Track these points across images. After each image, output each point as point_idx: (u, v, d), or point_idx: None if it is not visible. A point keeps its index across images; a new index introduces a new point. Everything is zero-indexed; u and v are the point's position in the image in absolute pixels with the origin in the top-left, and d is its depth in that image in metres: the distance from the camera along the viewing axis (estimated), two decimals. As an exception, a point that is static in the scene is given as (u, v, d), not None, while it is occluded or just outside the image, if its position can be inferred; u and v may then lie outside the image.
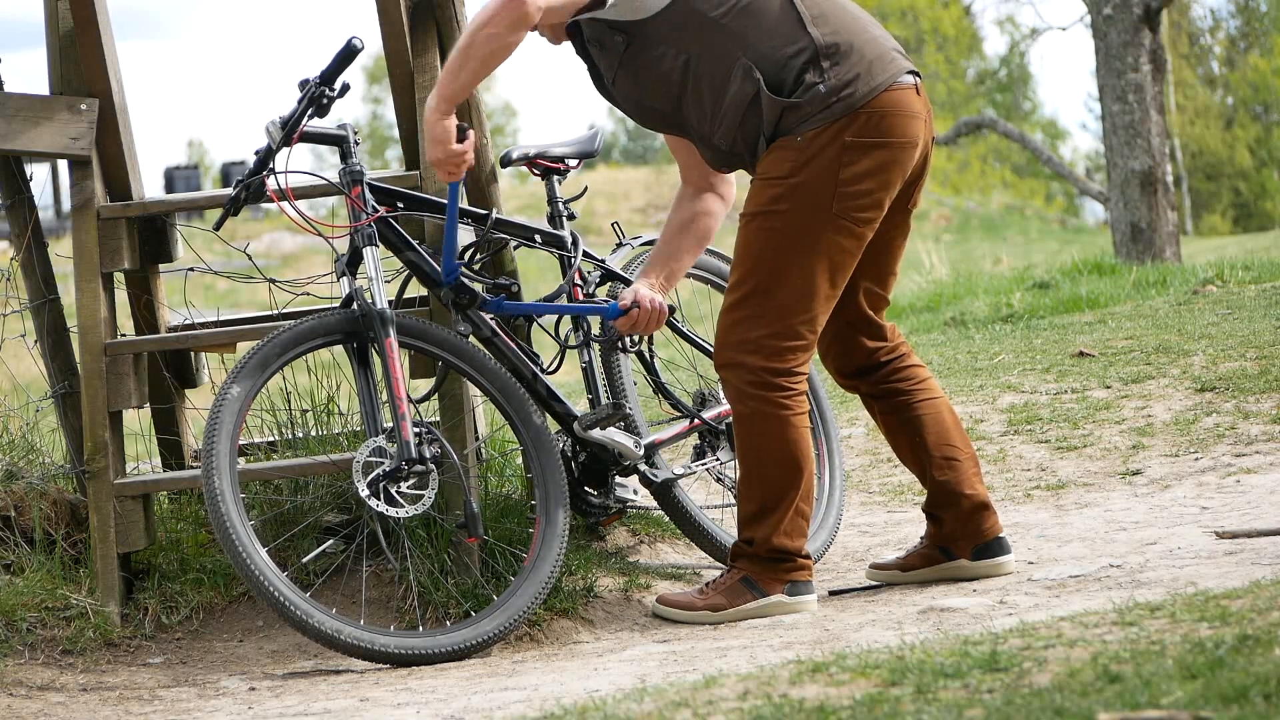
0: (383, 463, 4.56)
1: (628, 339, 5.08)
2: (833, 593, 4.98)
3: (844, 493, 5.56)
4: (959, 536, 4.92)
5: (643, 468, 5.05)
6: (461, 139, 4.56)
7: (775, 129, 4.59)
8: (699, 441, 5.30)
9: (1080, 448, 6.51)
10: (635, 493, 5.16)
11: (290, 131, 4.67)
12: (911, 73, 4.67)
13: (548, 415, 4.90)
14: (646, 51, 4.62)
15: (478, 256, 4.98)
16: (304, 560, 4.84)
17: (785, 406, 4.62)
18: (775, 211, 4.60)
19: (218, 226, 4.87)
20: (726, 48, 4.57)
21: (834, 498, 5.45)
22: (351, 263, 4.73)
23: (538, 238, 5.06)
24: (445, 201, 4.92)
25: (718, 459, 5.27)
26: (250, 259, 5.25)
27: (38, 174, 5.61)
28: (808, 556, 4.75)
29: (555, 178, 5.18)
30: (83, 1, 5.04)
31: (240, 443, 4.83)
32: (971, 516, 4.89)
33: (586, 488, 5.07)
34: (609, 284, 5.20)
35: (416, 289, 5.05)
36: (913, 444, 4.91)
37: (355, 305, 4.68)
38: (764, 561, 4.71)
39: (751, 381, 4.61)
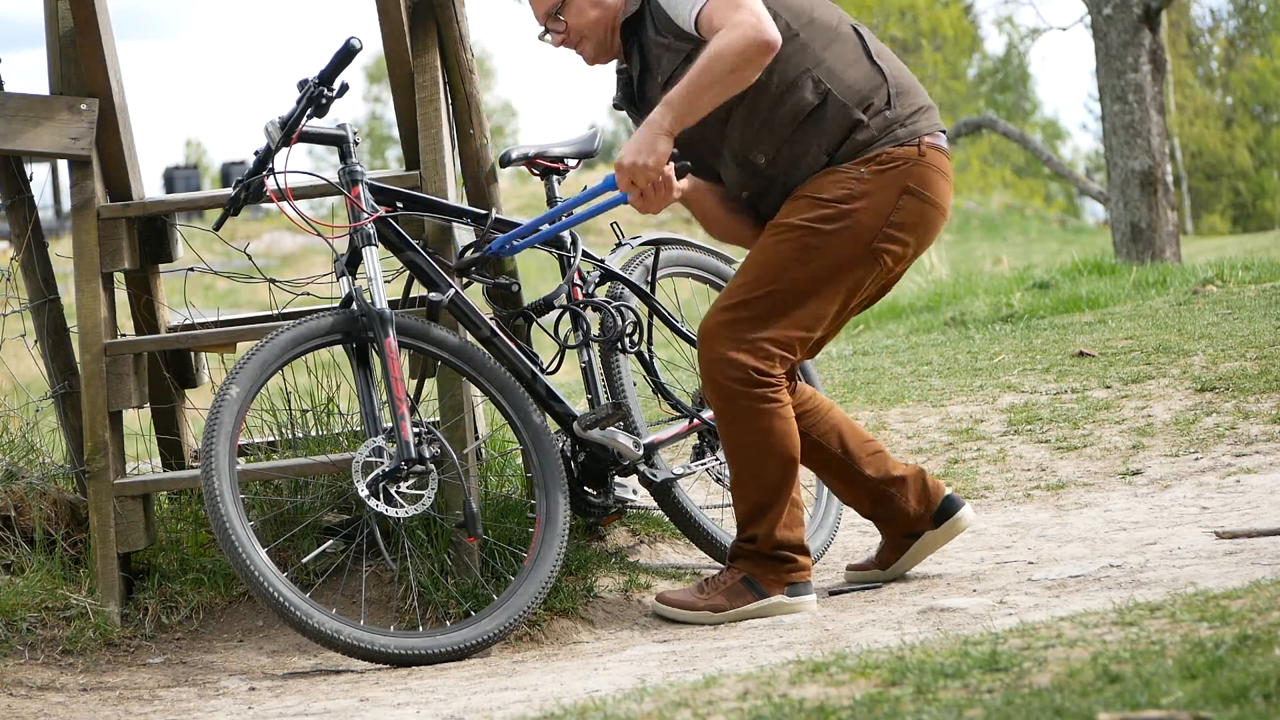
0: (382, 463, 4.56)
1: (627, 339, 5.08)
2: (833, 593, 4.98)
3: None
4: (920, 512, 4.95)
5: (642, 468, 5.05)
6: (680, 175, 4.61)
7: (839, 147, 4.64)
8: (698, 441, 5.31)
9: (1080, 448, 6.51)
10: (635, 493, 5.16)
11: (289, 131, 4.67)
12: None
13: (547, 415, 4.90)
14: None
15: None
16: (304, 560, 4.84)
17: (773, 400, 4.65)
18: (820, 230, 4.64)
19: (218, 226, 4.87)
20: (798, 60, 4.63)
21: (834, 498, 5.45)
22: (351, 263, 4.73)
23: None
24: (444, 201, 4.93)
25: (717, 459, 5.27)
26: (250, 259, 5.26)
27: (38, 174, 5.62)
28: (807, 552, 4.75)
29: (555, 178, 5.18)
30: (83, 1, 5.04)
31: (240, 443, 4.83)
32: (920, 486, 4.94)
33: (586, 488, 5.07)
34: (608, 284, 5.21)
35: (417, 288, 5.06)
36: (838, 460, 4.90)
37: (355, 305, 4.68)
38: (766, 560, 4.71)
39: (738, 379, 4.62)
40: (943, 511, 4.97)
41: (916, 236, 4.71)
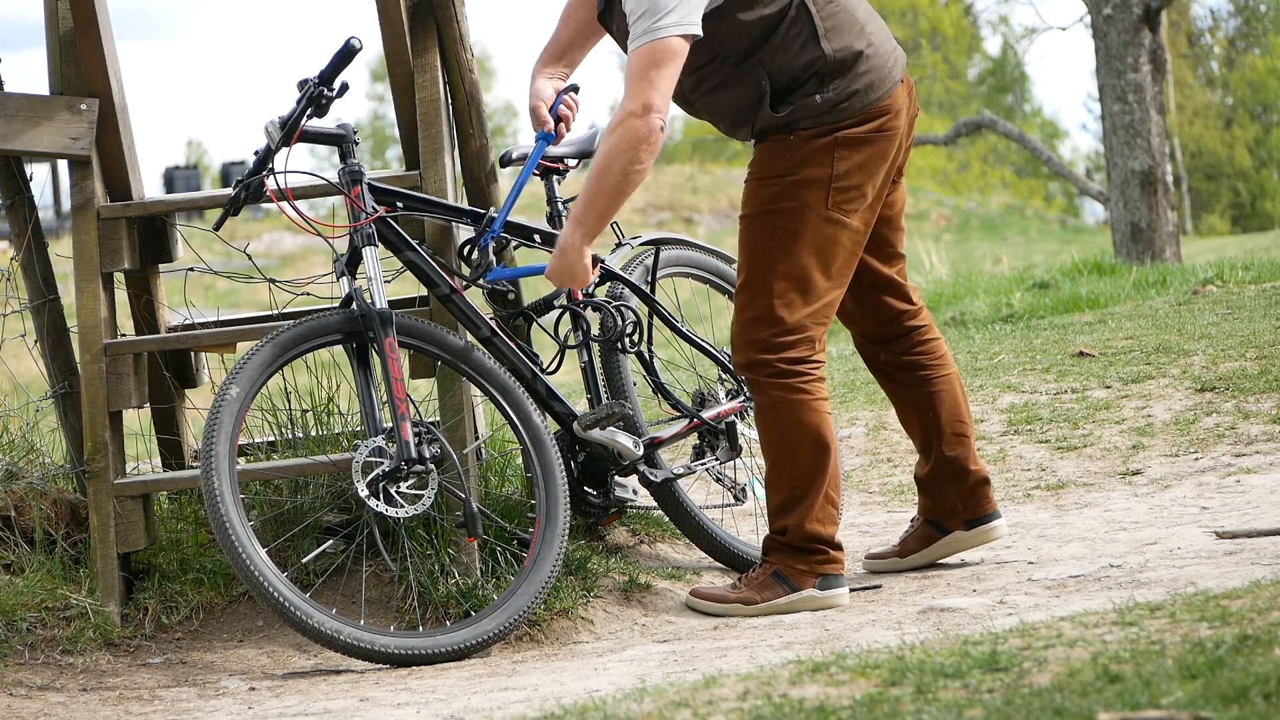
0: (382, 463, 4.56)
1: (627, 339, 5.09)
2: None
3: (843, 493, 5.56)
4: (959, 510, 5.04)
5: (642, 468, 5.05)
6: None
7: (765, 129, 4.68)
8: (698, 441, 5.31)
9: (1080, 448, 6.51)
10: (635, 493, 5.16)
11: (289, 131, 4.67)
12: (902, 74, 4.78)
13: (548, 415, 4.90)
14: None
15: (475, 256, 4.99)
16: (304, 560, 4.84)
17: (806, 391, 4.70)
18: (778, 210, 4.68)
19: (218, 226, 4.87)
20: (745, 50, 4.61)
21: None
22: (351, 263, 4.73)
23: (537, 238, 5.06)
24: (444, 201, 4.93)
25: (717, 459, 5.27)
26: (250, 259, 5.25)
27: (38, 174, 5.61)
28: (839, 546, 4.78)
29: (554, 177, 5.18)
30: (83, 1, 5.04)
31: (240, 443, 4.83)
32: (974, 491, 5.04)
33: (586, 488, 5.07)
34: (608, 284, 5.21)
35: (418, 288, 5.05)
36: (925, 418, 5.03)
37: (355, 305, 4.68)
38: (797, 551, 4.74)
39: (771, 373, 4.69)
40: (978, 519, 5.04)
41: (866, 173, 4.71)
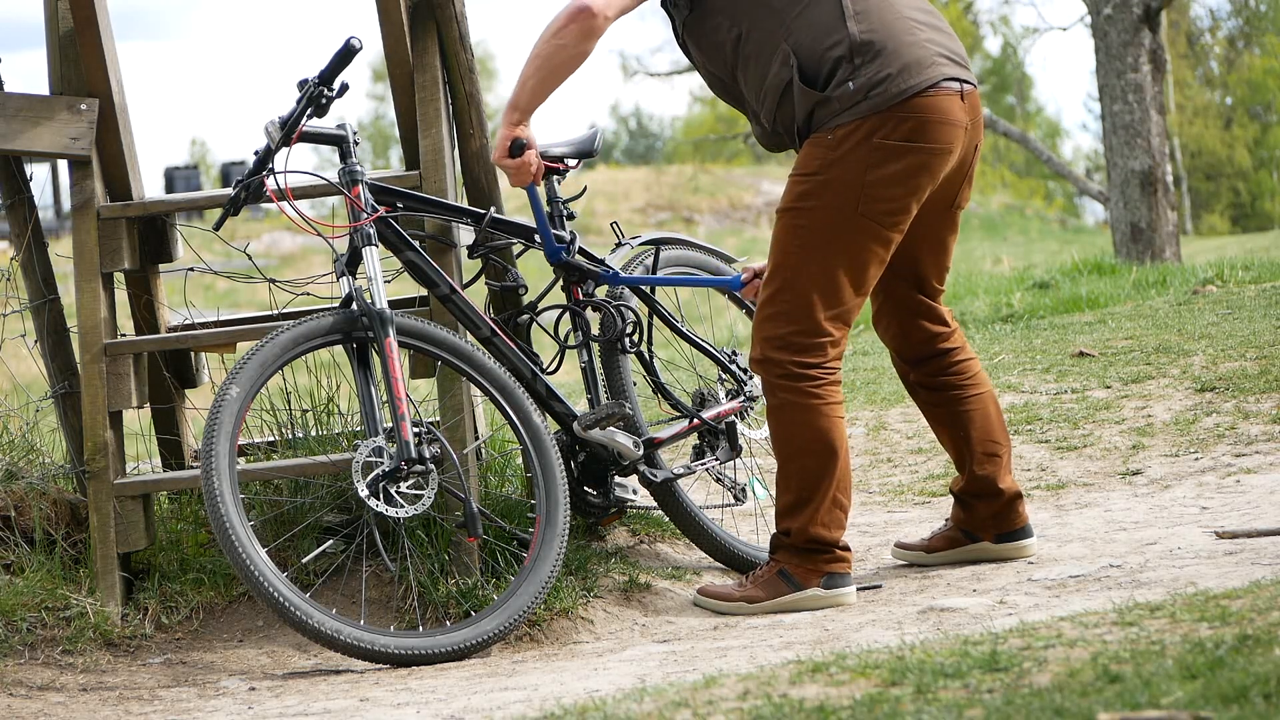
0: (382, 463, 4.56)
1: (627, 339, 5.10)
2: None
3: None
4: (989, 525, 5.06)
5: (642, 468, 5.06)
6: (514, 154, 4.73)
7: (808, 121, 4.65)
8: (698, 441, 5.31)
9: (1080, 448, 6.51)
10: (635, 493, 5.16)
11: (289, 131, 4.67)
12: (957, 79, 4.66)
13: (548, 415, 4.90)
14: (706, 20, 4.71)
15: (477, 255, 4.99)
16: (304, 560, 4.84)
17: (816, 395, 4.68)
18: (804, 208, 4.66)
19: (218, 226, 4.87)
20: (772, 29, 4.63)
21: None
22: (351, 263, 4.73)
23: (537, 237, 5.07)
24: (444, 201, 4.93)
25: (717, 459, 5.27)
26: (250, 259, 5.25)
27: (38, 174, 5.61)
28: (846, 548, 4.78)
29: (554, 177, 5.18)
30: (83, 1, 5.04)
31: (240, 443, 4.83)
32: (1005, 508, 5.05)
33: (586, 488, 5.07)
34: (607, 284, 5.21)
35: (414, 288, 5.06)
36: (956, 436, 5.04)
37: (355, 305, 4.68)
38: (801, 552, 4.74)
39: (782, 375, 4.67)
40: (1010, 534, 5.06)
41: (905, 185, 4.62)
